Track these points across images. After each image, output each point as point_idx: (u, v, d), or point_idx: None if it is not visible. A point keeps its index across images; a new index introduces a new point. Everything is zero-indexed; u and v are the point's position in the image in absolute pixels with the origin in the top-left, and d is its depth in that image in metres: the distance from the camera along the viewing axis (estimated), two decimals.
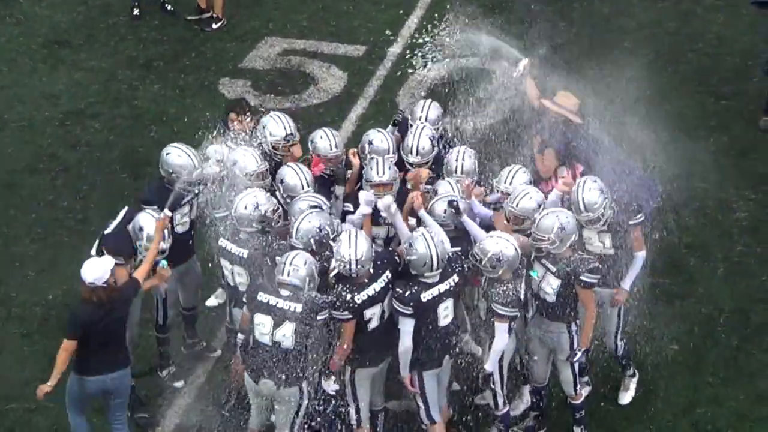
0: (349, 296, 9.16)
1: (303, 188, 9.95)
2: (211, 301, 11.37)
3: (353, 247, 9.14)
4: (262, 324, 9.11)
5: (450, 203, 9.59)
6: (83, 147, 13.58)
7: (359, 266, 9.14)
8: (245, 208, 9.59)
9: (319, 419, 9.84)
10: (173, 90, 14.52)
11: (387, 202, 9.58)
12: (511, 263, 9.31)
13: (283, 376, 9.16)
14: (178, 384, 10.66)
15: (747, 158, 13.19)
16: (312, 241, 9.35)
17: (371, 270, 9.24)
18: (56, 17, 15.87)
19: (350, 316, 9.17)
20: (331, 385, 9.42)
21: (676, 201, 12.01)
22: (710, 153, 13.27)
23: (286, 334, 9.05)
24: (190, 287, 10.64)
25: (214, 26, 15.58)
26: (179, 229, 10.24)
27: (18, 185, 13.05)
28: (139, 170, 13.11)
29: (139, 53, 15.16)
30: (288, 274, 9.01)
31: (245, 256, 9.58)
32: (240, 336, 9.45)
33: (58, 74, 14.81)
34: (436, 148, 10.42)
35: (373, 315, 9.30)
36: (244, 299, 9.35)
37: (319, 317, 9.05)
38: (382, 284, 9.29)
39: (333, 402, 9.75)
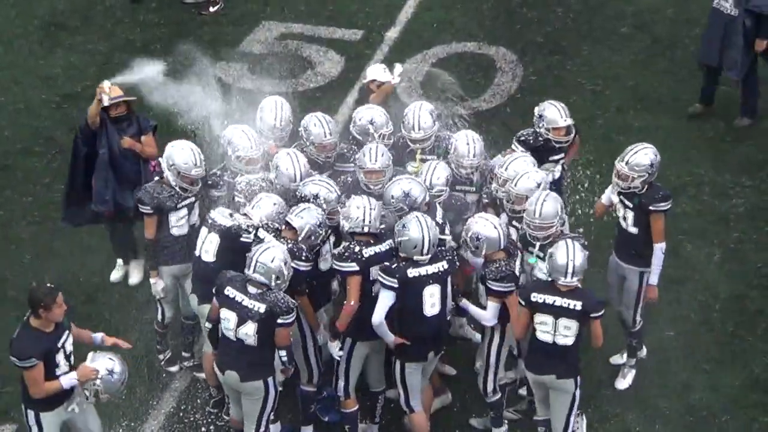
0: (357, 248, 9.28)
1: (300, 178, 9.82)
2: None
3: (365, 199, 9.36)
4: (227, 319, 9.05)
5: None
6: None
7: (372, 219, 9.32)
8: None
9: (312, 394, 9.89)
10: (170, 74, 14.45)
11: None
12: (491, 243, 9.35)
13: (248, 370, 9.11)
14: (173, 368, 10.70)
15: (744, 144, 13.17)
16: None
17: (377, 232, 9.38)
18: None
19: (357, 268, 9.23)
20: (335, 350, 9.45)
21: (672, 186, 12.02)
22: (707, 139, 13.26)
23: (249, 333, 8.99)
24: (188, 292, 10.45)
25: (212, 10, 15.52)
26: (175, 231, 10.16)
27: (14, 167, 13.02)
28: None
29: (136, 36, 15.10)
30: (254, 270, 8.96)
31: (226, 225, 9.50)
32: (207, 324, 9.33)
33: (55, 57, 14.76)
34: (437, 123, 10.35)
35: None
36: (213, 291, 9.20)
37: (279, 320, 8.94)
38: (386, 248, 9.40)
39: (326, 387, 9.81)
